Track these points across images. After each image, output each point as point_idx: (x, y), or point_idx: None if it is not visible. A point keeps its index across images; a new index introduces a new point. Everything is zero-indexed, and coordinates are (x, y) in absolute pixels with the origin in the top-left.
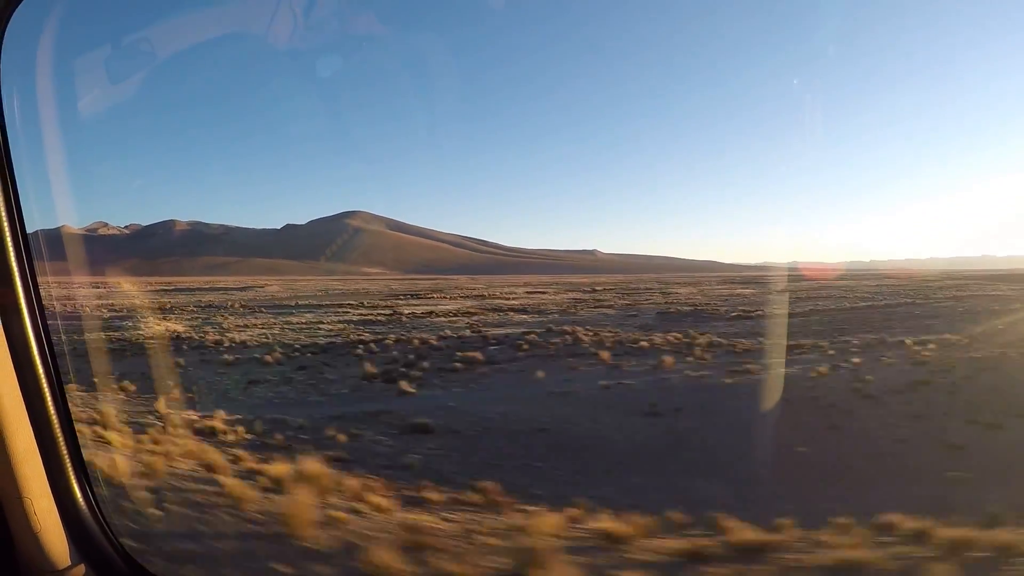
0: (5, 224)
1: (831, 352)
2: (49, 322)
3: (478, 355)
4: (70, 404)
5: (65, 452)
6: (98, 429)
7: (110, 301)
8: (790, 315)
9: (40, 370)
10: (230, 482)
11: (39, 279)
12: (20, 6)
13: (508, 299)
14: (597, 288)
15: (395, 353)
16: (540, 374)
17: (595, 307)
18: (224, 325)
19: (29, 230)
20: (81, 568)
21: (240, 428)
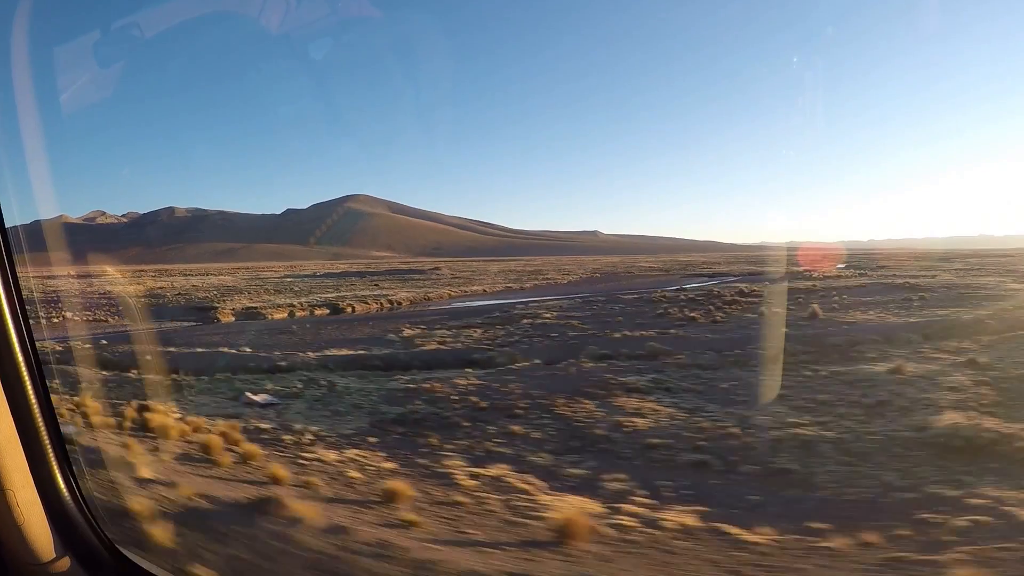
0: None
1: None
2: (29, 309)
3: None
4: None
5: (47, 442)
6: None
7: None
8: None
9: (20, 359)
10: None
11: (18, 269)
12: None
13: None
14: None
15: None
16: None
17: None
18: None
19: (25, 221)
20: (66, 560)
21: None
